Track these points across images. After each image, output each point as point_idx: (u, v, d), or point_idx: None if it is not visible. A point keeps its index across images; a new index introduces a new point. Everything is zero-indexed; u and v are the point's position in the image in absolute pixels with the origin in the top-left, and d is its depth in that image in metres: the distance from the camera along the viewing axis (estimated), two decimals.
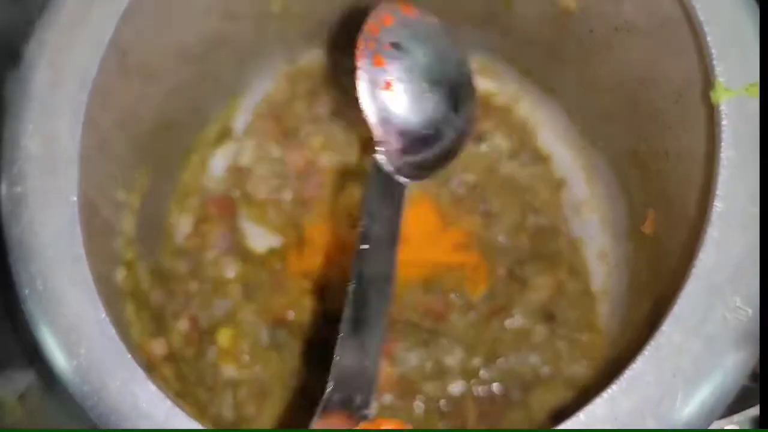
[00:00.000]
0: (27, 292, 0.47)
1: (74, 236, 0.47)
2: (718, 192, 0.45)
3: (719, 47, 0.48)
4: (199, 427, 0.44)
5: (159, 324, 0.64)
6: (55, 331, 0.46)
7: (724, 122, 0.46)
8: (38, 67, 0.50)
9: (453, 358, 0.68)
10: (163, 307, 0.66)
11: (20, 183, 0.48)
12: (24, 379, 0.73)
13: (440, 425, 0.67)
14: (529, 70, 0.76)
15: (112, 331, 0.46)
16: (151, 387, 0.45)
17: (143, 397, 0.45)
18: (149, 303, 0.63)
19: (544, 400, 0.66)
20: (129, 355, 0.45)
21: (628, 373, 0.43)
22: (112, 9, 0.51)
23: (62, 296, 0.46)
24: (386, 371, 0.68)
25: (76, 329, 0.46)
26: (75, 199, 0.48)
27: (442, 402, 0.68)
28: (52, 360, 0.46)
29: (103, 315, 0.46)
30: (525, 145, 0.77)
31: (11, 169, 0.49)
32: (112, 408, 0.45)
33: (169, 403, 0.44)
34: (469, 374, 0.68)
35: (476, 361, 0.68)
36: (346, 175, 0.75)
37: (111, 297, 0.50)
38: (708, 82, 0.49)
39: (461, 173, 0.75)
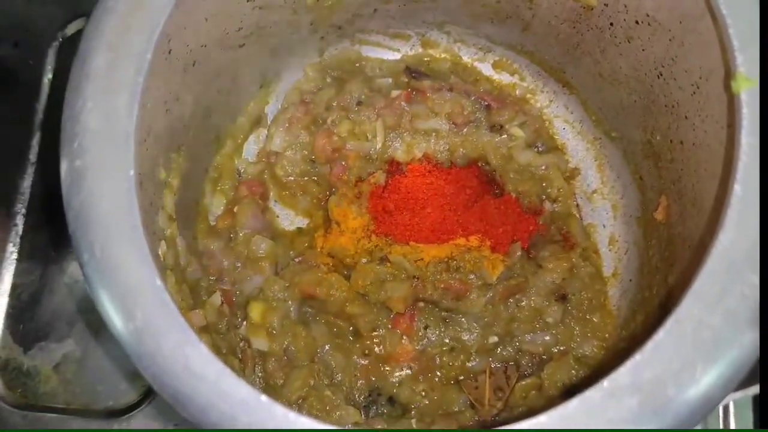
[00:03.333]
0: (86, 257, 0.49)
1: (132, 207, 0.49)
2: (738, 176, 0.47)
3: (741, 39, 0.50)
4: (250, 388, 0.46)
5: (195, 298, 0.66)
6: (113, 295, 0.48)
7: (744, 110, 0.49)
8: (98, 49, 0.52)
9: (470, 336, 0.71)
10: (198, 282, 0.67)
11: (80, 157, 0.50)
12: (59, 349, 0.76)
13: (458, 398, 0.69)
14: (547, 64, 0.79)
15: (166, 297, 0.48)
16: (203, 349, 0.47)
17: (195, 359, 0.47)
18: (186, 278, 0.65)
19: (557, 377, 0.68)
20: (182, 319, 0.47)
21: (650, 344, 0.45)
22: None
23: (119, 263, 0.48)
24: (406, 347, 0.70)
25: (133, 294, 0.48)
26: (132, 173, 0.50)
27: (460, 377, 0.70)
28: (109, 323, 0.48)
29: (158, 281, 0.48)
30: (541, 135, 0.80)
31: (72, 143, 0.51)
32: (166, 368, 0.47)
33: (219, 364, 0.46)
34: (485, 351, 0.71)
35: (493, 338, 0.71)
36: (370, 161, 0.78)
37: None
38: (727, 72, 0.51)
39: (481, 161, 0.78)
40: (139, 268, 0.48)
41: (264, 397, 0.46)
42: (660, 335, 0.46)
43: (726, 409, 0.69)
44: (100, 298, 0.48)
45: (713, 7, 0.51)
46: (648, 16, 0.61)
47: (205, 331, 0.64)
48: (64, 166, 0.51)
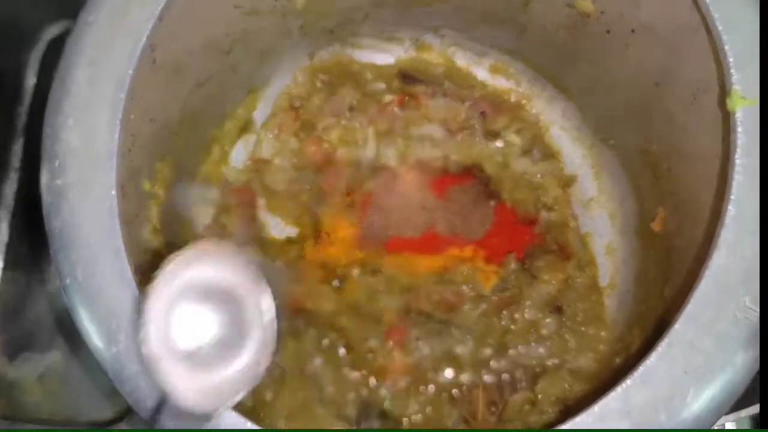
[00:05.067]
0: (68, 281, 0.48)
1: (113, 228, 0.49)
2: (732, 197, 0.47)
3: (736, 56, 0.49)
4: (240, 417, 0.45)
5: None
6: (95, 319, 0.47)
7: (739, 129, 0.48)
8: (78, 65, 0.52)
9: (464, 348, 0.70)
10: None
11: (61, 176, 0.50)
12: (43, 360, 0.75)
13: (451, 413, 0.68)
14: (543, 69, 0.77)
15: None
16: None
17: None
18: None
19: (551, 390, 0.67)
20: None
21: (642, 369, 0.45)
22: (149, 10, 0.53)
23: (102, 286, 0.48)
24: (399, 359, 0.69)
25: (116, 317, 0.47)
26: (114, 192, 0.49)
27: (453, 390, 0.69)
28: (92, 346, 0.47)
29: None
30: (537, 142, 0.78)
31: (53, 162, 0.50)
32: (150, 393, 0.46)
33: None
34: (479, 364, 0.70)
35: (486, 351, 0.70)
36: (362, 169, 0.77)
37: (142, 285, 0.50)
38: (723, 88, 0.50)
39: (476, 169, 0.77)
40: (122, 291, 0.48)
41: (250, 424, 0.46)
42: (652, 359, 0.45)
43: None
44: (82, 321, 0.48)
45: (708, 22, 0.50)
46: (644, 25, 0.60)
47: None
48: (44, 186, 0.50)
